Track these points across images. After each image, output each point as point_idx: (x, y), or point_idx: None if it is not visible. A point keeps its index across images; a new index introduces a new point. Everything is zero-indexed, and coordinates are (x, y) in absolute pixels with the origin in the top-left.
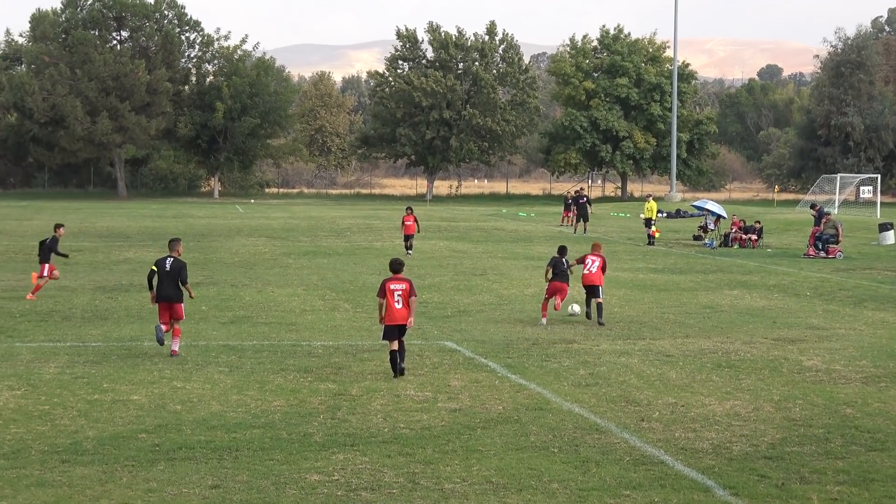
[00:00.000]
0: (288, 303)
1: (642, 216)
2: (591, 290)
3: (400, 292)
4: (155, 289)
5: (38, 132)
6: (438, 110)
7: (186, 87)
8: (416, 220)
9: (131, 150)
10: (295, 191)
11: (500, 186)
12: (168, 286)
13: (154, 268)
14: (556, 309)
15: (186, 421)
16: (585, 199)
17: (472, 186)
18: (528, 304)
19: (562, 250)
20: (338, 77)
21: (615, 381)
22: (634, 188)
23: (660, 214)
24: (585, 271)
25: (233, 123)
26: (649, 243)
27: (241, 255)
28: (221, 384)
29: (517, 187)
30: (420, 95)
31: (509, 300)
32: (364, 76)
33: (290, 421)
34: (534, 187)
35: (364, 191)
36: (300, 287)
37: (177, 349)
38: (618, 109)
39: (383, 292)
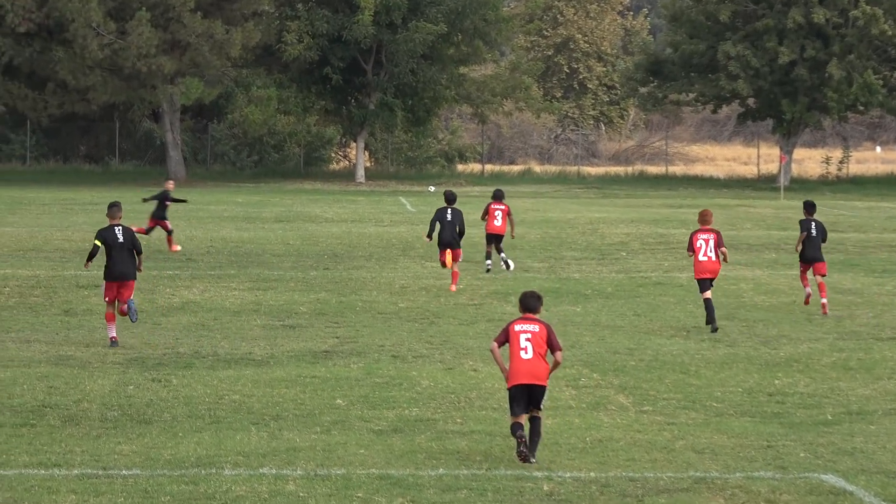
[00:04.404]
0: (505, 391)
1: None
2: (705, 283)
3: (529, 336)
4: (104, 268)
5: (15, 54)
6: (803, 8)
7: None
8: (507, 215)
9: (196, 87)
10: (516, 168)
11: None
12: (124, 261)
13: (98, 243)
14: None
15: None
16: None
17: (871, 159)
18: None
19: (809, 206)
20: None
21: None
22: None
23: None
24: (702, 258)
25: (393, 36)
26: None
27: (411, 297)
28: None
29: None
30: None
31: None
32: None
33: None
34: None
35: (653, 168)
36: None
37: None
38: None
39: (505, 336)
